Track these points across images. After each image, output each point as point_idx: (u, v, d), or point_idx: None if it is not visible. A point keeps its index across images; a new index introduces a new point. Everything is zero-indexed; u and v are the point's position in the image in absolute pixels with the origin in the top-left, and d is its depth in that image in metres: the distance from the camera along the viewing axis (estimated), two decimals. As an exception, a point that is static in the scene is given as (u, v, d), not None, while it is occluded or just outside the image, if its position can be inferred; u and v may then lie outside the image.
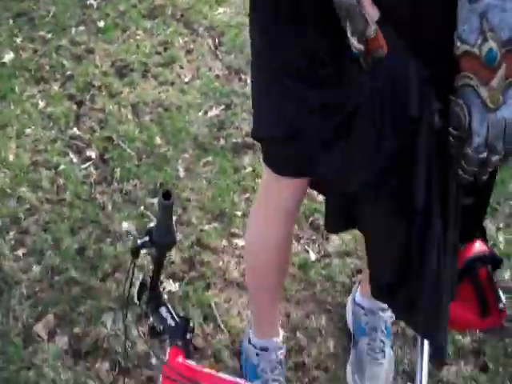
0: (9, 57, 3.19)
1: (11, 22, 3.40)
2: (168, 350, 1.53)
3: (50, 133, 2.81)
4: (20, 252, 2.37)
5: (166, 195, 1.34)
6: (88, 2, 3.53)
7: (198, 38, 3.35)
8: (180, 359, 1.51)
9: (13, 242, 2.40)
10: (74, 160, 2.70)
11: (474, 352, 2.01)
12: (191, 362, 1.66)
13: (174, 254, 2.29)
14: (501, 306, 1.61)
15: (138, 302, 1.60)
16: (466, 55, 1.14)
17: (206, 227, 2.41)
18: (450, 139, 1.23)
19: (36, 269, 2.30)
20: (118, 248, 2.34)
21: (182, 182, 2.57)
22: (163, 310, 1.59)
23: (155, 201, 2.49)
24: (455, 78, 1.19)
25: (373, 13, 1.18)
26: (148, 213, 2.47)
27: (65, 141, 2.78)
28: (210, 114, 2.89)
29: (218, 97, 2.98)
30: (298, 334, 2.06)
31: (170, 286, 2.19)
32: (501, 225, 2.38)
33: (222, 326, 2.11)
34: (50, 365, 2.02)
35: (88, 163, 2.69)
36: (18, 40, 3.29)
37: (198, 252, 2.32)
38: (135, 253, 1.50)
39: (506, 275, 2.18)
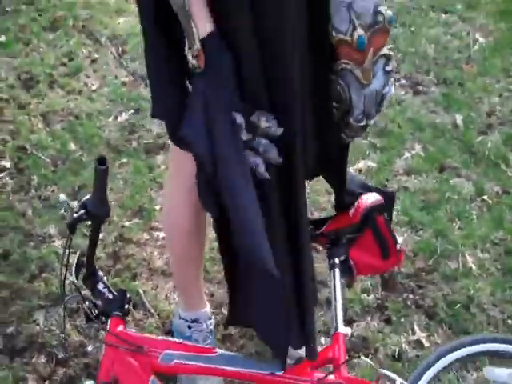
0: None
1: None
2: (108, 321, 1.70)
3: (-39, 147, 2.90)
4: None
5: (101, 161, 1.50)
6: (-13, 18, 3.62)
7: (101, 47, 3.51)
8: (121, 328, 1.69)
9: None
10: (-11, 172, 2.80)
11: (378, 308, 2.29)
12: (131, 330, 1.84)
13: (98, 251, 2.44)
14: (398, 247, 1.89)
15: (75, 279, 1.75)
16: (341, 43, 1.45)
17: (127, 223, 2.58)
18: (333, 111, 1.53)
19: (-39, 277, 2.39)
20: (42, 250, 2.46)
21: (99, 184, 2.73)
22: (100, 286, 1.75)
23: (75, 203, 2.63)
24: (335, 63, 1.48)
25: (202, 29, 1.32)
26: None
27: (-23, 154, 2.87)
28: (120, 118, 3.06)
29: (126, 102, 3.15)
30: (222, 309, 2.26)
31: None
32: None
33: (152, 310, 2.28)
34: (-15, 365, 2.13)
35: (3, 173, 2.79)
36: None
37: (122, 246, 2.48)
38: (72, 227, 1.63)
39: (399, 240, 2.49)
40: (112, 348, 1.66)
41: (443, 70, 3.35)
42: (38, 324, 2.25)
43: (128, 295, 1.72)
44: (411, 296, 2.33)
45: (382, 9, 1.45)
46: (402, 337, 2.21)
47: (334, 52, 1.49)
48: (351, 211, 1.86)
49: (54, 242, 2.51)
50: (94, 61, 3.43)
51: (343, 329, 1.78)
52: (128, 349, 1.68)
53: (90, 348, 2.15)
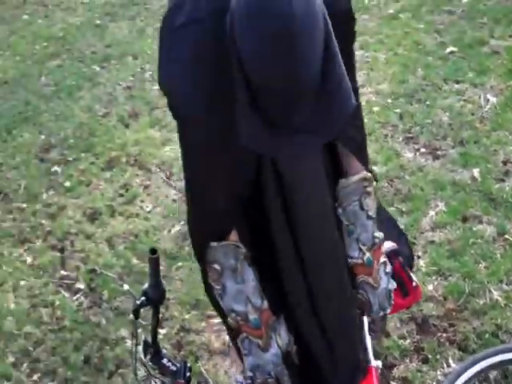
0: (-7, 235, 3.95)
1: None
2: None
3: (42, 279, 3.49)
4: (35, 376, 2.97)
5: (153, 252, 1.97)
6: (53, 169, 4.37)
7: (151, 175, 4.17)
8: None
9: (28, 371, 3.00)
10: (66, 295, 3.37)
11: (415, 350, 2.63)
12: None
13: (164, 343, 2.91)
14: (414, 284, 2.24)
15: (143, 358, 2.18)
16: (356, 265, 1.93)
17: (187, 316, 3.06)
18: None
19: (52, 385, 2.91)
20: (117, 351, 2.96)
21: (160, 288, 3.25)
22: (165, 361, 2.19)
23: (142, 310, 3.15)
24: (355, 279, 1.96)
25: None
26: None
27: (55, 282, 3.46)
28: (173, 230, 3.63)
29: (177, 216, 3.73)
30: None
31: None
32: (419, 253, 3.09)
33: (214, 384, 2.71)
34: None
35: (79, 294, 3.36)
36: (-2, 215, 4.07)
37: (184, 336, 2.96)
38: (136, 313, 2.07)
39: (428, 289, 2.84)
40: None
41: (459, 132, 3.79)
42: (119, 413, 2.71)
43: (189, 364, 2.13)
44: (444, 335, 2.66)
45: (376, 234, 1.94)
46: (438, 371, 2.53)
47: (352, 272, 1.99)
48: None
49: (126, 342, 3.00)
50: (146, 187, 4.07)
51: (374, 362, 2.13)
52: None
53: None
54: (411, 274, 2.26)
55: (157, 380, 2.15)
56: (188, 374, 2.14)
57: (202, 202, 1.69)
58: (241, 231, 1.73)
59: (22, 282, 3.50)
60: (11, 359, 3.05)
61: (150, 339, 2.12)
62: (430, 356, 2.59)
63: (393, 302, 2.05)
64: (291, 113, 1.35)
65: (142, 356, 2.11)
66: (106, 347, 3.01)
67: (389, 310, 2.04)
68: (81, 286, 3.41)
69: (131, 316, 3.11)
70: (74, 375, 2.90)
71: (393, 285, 2.02)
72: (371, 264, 1.93)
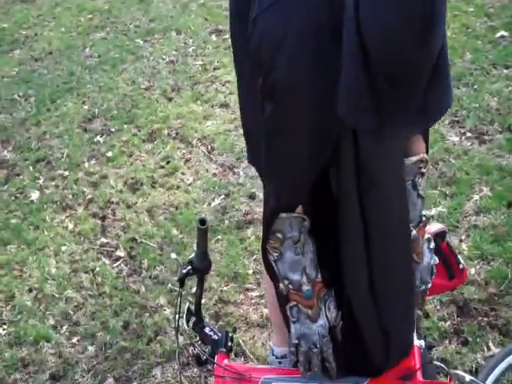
0: (35, 195, 4.01)
1: (31, 168, 4.26)
2: (216, 357, 2.13)
3: (83, 246, 3.55)
4: (75, 339, 3.02)
5: (202, 222, 1.98)
6: (95, 139, 4.42)
7: (193, 148, 4.19)
8: (226, 361, 2.13)
9: (67, 334, 3.06)
10: (107, 262, 3.42)
11: (455, 332, 2.62)
12: (235, 362, 2.25)
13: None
14: (461, 266, 2.23)
15: (186, 326, 2.21)
16: None
17: (225, 288, 3.08)
18: None
19: (91, 348, 2.95)
20: (155, 318, 3.00)
21: (199, 260, 3.28)
22: (207, 329, 2.21)
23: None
24: None
25: None
26: (175, 288, 3.16)
27: (96, 249, 3.52)
28: (213, 204, 3.65)
29: (217, 190, 3.75)
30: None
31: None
32: (462, 237, 3.07)
33: (251, 356, 2.73)
34: (116, 414, 2.64)
35: (119, 261, 3.41)
36: (41, 181, 4.13)
37: (222, 307, 2.98)
38: (182, 281, 2.10)
39: (471, 272, 2.82)
40: (220, 378, 2.09)
41: (506, 118, 3.74)
42: (156, 378, 2.75)
43: (230, 334, 2.16)
44: (485, 319, 2.65)
45: (423, 212, 1.94)
46: (478, 354, 2.52)
47: None
48: None
49: (165, 310, 3.04)
50: (187, 160, 4.10)
51: (417, 342, 2.13)
52: (233, 377, 2.12)
53: (201, 389, 2.62)
54: (459, 257, 2.25)
55: (196, 348, 2.19)
56: (229, 344, 2.17)
57: (284, 170, 1.68)
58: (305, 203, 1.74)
59: (64, 248, 3.56)
60: (51, 322, 3.11)
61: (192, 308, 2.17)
62: (469, 339, 2.58)
63: (434, 277, 2.06)
64: (412, 93, 1.34)
65: (185, 323, 2.14)
66: (145, 314, 3.05)
67: (430, 285, 2.04)
68: (121, 253, 3.46)
69: (169, 286, 3.17)
70: (112, 340, 2.95)
71: (435, 260, 2.02)
72: (416, 240, 1.93)
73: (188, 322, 2.16)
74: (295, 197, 1.71)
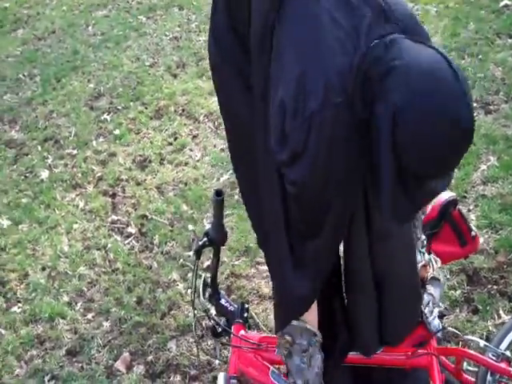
0: (45, 174, 4.01)
1: (39, 147, 4.26)
2: (232, 327, 2.16)
3: (94, 223, 3.57)
4: (90, 316, 3.06)
5: (218, 193, 1.98)
6: (102, 117, 4.41)
7: (200, 124, 4.18)
8: (242, 332, 2.15)
9: (82, 310, 3.09)
10: (118, 239, 3.44)
11: (466, 300, 2.64)
12: (251, 332, 2.27)
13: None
14: (473, 234, 2.23)
15: (202, 297, 2.22)
16: (421, 267, 2.04)
17: (236, 262, 3.11)
18: None
19: (106, 324, 2.98)
20: (169, 293, 3.03)
21: (210, 234, 3.29)
22: (223, 301, 2.23)
23: (191, 253, 3.20)
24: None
25: None
26: (187, 263, 3.18)
27: (107, 226, 3.53)
28: (222, 179, 3.66)
29: (225, 165, 3.75)
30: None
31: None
32: (471, 207, 3.07)
33: (264, 328, 2.76)
34: (133, 388, 2.68)
35: (130, 238, 3.43)
36: (49, 160, 4.13)
37: (234, 281, 3.01)
38: (198, 253, 2.09)
39: (481, 240, 2.83)
40: (237, 348, 2.11)
41: (512, 87, 3.73)
42: (171, 351, 2.78)
43: (246, 305, 2.17)
44: (495, 287, 2.67)
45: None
46: (488, 322, 2.54)
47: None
48: (429, 208, 2.21)
49: (177, 285, 3.07)
50: (195, 136, 4.10)
51: None
52: (249, 347, 2.12)
53: (216, 363, 2.65)
54: (470, 224, 2.24)
55: (212, 320, 2.21)
56: (245, 315, 2.18)
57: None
58: None
59: (75, 225, 3.58)
60: (66, 299, 3.14)
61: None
62: (480, 307, 2.61)
63: None
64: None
65: (201, 295, 2.15)
66: (158, 289, 3.08)
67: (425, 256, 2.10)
68: (132, 230, 3.47)
69: (181, 261, 3.18)
70: (127, 315, 2.98)
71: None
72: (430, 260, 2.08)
73: (204, 293, 2.17)
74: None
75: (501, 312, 2.57)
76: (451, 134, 1.30)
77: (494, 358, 1.96)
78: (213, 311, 2.24)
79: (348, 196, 1.57)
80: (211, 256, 2.10)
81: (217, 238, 2.01)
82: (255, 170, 1.74)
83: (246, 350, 2.11)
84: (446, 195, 2.22)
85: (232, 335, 2.13)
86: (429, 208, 2.21)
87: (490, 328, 2.51)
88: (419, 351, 2.04)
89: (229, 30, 1.75)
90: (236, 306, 2.20)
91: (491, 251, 2.81)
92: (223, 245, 2.08)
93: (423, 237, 2.03)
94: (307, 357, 1.79)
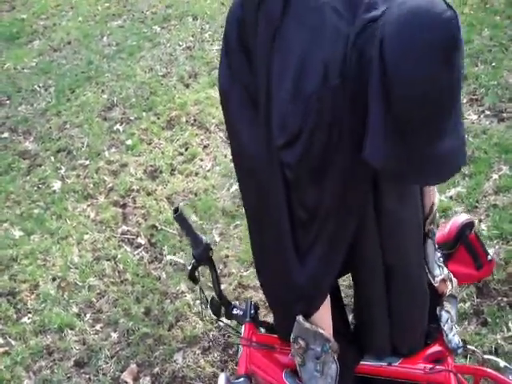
0: (57, 185, 4.04)
1: (52, 158, 4.30)
2: (243, 328, 2.12)
3: (105, 234, 3.58)
4: (98, 326, 3.06)
5: (175, 211, 1.93)
6: (115, 128, 4.44)
7: (211, 134, 4.19)
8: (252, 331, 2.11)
9: (90, 321, 3.10)
10: (128, 249, 3.45)
11: (475, 313, 2.61)
12: (262, 332, 2.22)
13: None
14: (489, 257, 2.21)
15: (217, 317, 2.19)
16: (441, 282, 1.98)
17: (244, 273, 3.10)
18: None
19: (114, 335, 2.99)
20: (176, 304, 3.03)
21: (218, 245, 3.29)
22: (234, 310, 2.20)
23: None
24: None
25: None
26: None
27: (117, 237, 3.55)
28: (232, 189, 3.65)
29: (235, 175, 3.73)
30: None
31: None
32: (482, 217, 3.03)
33: (272, 339, 2.74)
34: (139, 399, 2.68)
35: (140, 249, 3.44)
36: (62, 171, 4.16)
37: (242, 292, 3.00)
38: (192, 278, 2.06)
39: (491, 251, 2.79)
40: (248, 348, 2.06)
41: (525, 95, 3.69)
42: (177, 363, 2.78)
43: (253, 303, 2.10)
44: (505, 299, 2.63)
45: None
46: (497, 335, 2.50)
47: (437, 293, 2.04)
48: (446, 230, 2.20)
49: (185, 296, 3.07)
50: (206, 146, 4.10)
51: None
52: (262, 347, 2.04)
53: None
54: (486, 248, 2.22)
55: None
56: (252, 312, 2.12)
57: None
58: None
59: (86, 236, 3.60)
60: (75, 309, 3.15)
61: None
62: (489, 319, 2.57)
63: None
64: (432, 135, 1.32)
65: (212, 314, 2.10)
66: (166, 300, 3.08)
67: (443, 270, 2.06)
68: (142, 241, 3.48)
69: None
70: (134, 326, 2.99)
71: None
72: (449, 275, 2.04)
73: (219, 314, 2.12)
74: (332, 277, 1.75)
75: (510, 325, 2.53)
76: (438, 67, 1.25)
77: None
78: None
79: (345, 178, 1.57)
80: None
81: (201, 255, 1.94)
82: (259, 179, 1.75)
83: (257, 349, 2.06)
84: (462, 218, 2.21)
85: (242, 335, 2.09)
86: (446, 229, 2.20)
87: (499, 341, 2.47)
88: (437, 367, 2.01)
89: (240, 46, 1.77)
90: (244, 308, 2.16)
91: (502, 262, 2.77)
92: (210, 256, 2.01)
93: (439, 254, 2.01)
94: (320, 364, 1.78)
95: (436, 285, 2.00)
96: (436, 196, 1.93)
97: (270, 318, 2.83)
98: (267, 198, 1.71)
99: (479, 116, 3.67)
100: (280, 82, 1.53)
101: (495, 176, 3.22)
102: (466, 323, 2.58)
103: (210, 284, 2.13)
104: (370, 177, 1.61)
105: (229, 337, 2.79)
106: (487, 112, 3.67)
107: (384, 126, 1.34)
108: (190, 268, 1.95)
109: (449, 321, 2.04)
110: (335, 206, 1.60)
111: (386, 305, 1.91)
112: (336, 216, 1.62)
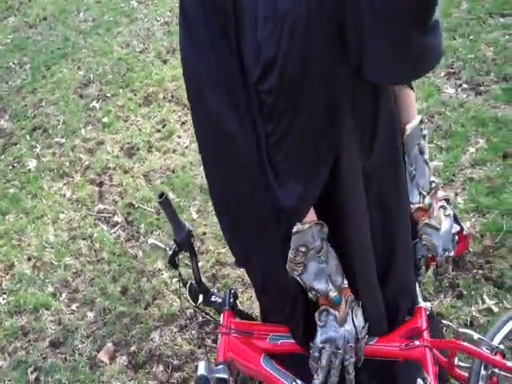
0: (32, 164, 3.98)
1: (28, 137, 4.23)
2: (221, 315, 2.10)
3: (81, 213, 3.54)
4: (74, 306, 3.03)
5: (160, 196, 1.90)
6: (91, 105, 4.37)
7: (188, 111, 4.13)
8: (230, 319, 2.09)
9: (66, 301, 3.06)
10: (105, 228, 3.41)
11: (450, 286, 2.59)
12: (239, 320, 2.20)
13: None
14: (464, 233, 2.19)
15: (195, 304, 2.16)
16: (418, 210, 1.91)
17: (222, 250, 3.07)
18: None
19: (90, 314, 2.95)
20: (153, 282, 3.00)
21: (196, 222, 3.25)
22: (213, 297, 2.18)
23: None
24: (417, 227, 1.94)
25: None
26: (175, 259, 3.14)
27: (94, 216, 3.50)
28: (210, 166, 3.61)
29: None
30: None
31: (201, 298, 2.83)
32: (458, 190, 3.02)
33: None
34: (115, 378, 2.65)
35: (116, 227, 3.39)
36: (38, 150, 4.10)
37: (219, 269, 2.97)
38: (173, 264, 2.03)
39: (466, 226, 2.77)
40: (226, 336, 2.07)
41: (503, 67, 3.65)
42: (154, 341, 2.75)
43: (233, 291, 2.08)
44: (480, 271, 2.62)
45: (432, 179, 1.95)
46: (473, 307, 2.50)
47: (414, 221, 1.97)
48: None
49: (162, 274, 3.04)
50: (183, 123, 4.05)
51: (423, 303, 2.11)
52: (240, 335, 2.02)
53: (199, 353, 2.62)
54: (461, 223, 2.19)
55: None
56: (231, 300, 2.10)
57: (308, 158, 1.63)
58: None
59: (62, 215, 3.55)
60: (51, 289, 3.11)
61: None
62: (464, 292, 2.56)
63: (457, 246, 2.05)
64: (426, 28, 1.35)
65: (191, 301, 2.07)
66: (143, 279, 3.05)
67: (453, 253, 2.02)
68: (118, 219, 3.44)
69: (167, 250, 3.14)
70: (111, 305, 2.95)
71: (455, 228, 2.01)
72: (431, 207, 1.94)
73: (196, 301, 2.09)
74: (316, 191, 1.66)
75: (485, 297, 2.52)
76: None
77: (488, 351, 1.91)
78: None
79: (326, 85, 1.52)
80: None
81: (182, 240, 1.92)
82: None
83: (236, 337, 2.05)
84: (441, 194, 2.18)
85: (221, 322, 2.08)
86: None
87: (474, 313, 2.47)
88: (413, 343, 2.00)
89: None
90: (223, 296, 2.14)
91: (477, 235, 2.76)
92: (191, 243, 1.99)
93: (433, 178, 1.95)
94: (323, 254, 1.72)
95: (411, 211, 1.94)
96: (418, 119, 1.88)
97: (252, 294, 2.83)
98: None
99: (456, 90, 3.64)
100: (254, 5, 1.46)
101: (472, 149, 3.20)
102: (442, 296, 2.57)
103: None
104: (350, 98, 1.57)
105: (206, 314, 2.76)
106: (464, 85, 3.64)
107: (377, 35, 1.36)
108: (170, 253, 1.93)
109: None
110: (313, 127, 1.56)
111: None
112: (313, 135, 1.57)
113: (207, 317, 2.15)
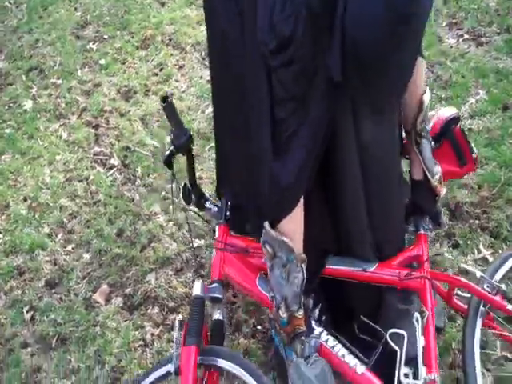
0: (28, 104, 3.88)
1: (24, 77, 4.12)
2: (216, 229, 2.03)
3: (77, 155, 3.46)
4: (70, 247, 2.98)
5: (164, 99, 1.85)
6: (88, 46, 4.24)
7: (186, 54, 4.02)
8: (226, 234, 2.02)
9: (62, 242, 3.01)
10: (101, 170, 3.34)
11: (447, 235, 2.56)
12: (235, 235, 2.12)
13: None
14: (474, 155, 2.10)
15: (186, 205, 2.09)
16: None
17: (218, 195, 3.01)
18: None
19: (86, 255, 2.91)
20: (149, 226, 2.95)
21: (192, 167, 3.19)
22: (207, 203, 2.12)
23: (174, 185, 3.10)
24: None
25: None
26: (169, 196, 3.09)
27: (90, 158, 3.43)
28: (207, 111, 3.52)
29: (211, 97, 3.60)
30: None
31: (196, 242, 2.79)
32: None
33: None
34: (111, 319, 2.62)
35: (113, 170, 3.32)
36: (34, 90, 3.99)
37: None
38: (168, 164, 1.94)
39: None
40: (221, 252, 1.98)
41: (505, 19, 3.55)
42: (150, 283, 2.72)
43: (229, 203, 2.03)
44: (477, 221, 2.58)
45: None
46: (468, 257, 2.47)
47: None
48: (430, 124, 2.07)
49: (158, 218, 2.99)
50: (181, 67, 3.94)
51: (423, 231, 2.05)
52: (235, 251, 1.99)
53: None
54: (472, 145, 2.12)
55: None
56: (227, 214, 2.06)
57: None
58: None
59: (58, 157, 3.47)
60: (46, 230, 3.06)
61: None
62: (460, 242, 2.53)
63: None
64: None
65: (183, 202, 2.04)
66: (139, 222, 2.99)
67: (439, 174, 2.02)
68: (115, 162, 3.37)
69: (163, 193, 3.09)
70: (107, 247, 2.91)
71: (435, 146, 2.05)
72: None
73: (190, 201, 2.05)
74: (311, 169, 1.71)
75: (481, 247, 2.49)
76: (388, 17, 1.42)
77: (488, 289, 1.87)
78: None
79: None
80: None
81: (181, 143, 1.90)
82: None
83: (232, 253, 1.99)
84: (449, 112, 2.11)
85: (216, 238, 2.02)
86: (431, 124, 2.09)
87: (470, 263, 2.44)
88: (413, 273, 1.95)
89: None
90: (219, 204, 2.09)
91: (475, 186, 2.71)
92: (190, 146, 1.98)
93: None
94: (286, 272, 1.74)
95: (435, 184, 1.98)
96: (427, 94, 1.88)
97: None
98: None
99: (458, 40, 3.54)
100: None
101: (472, 100, 3.12)
102: (438, 245, 2.54)
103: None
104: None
105: (202, 258, 2.73)
106: (466, 36, 3.54)
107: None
108: (167, 153, 1.90)
109: None
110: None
111: (364, 207, 1.88)
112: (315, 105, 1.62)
113: (199, 215, 2.12)
